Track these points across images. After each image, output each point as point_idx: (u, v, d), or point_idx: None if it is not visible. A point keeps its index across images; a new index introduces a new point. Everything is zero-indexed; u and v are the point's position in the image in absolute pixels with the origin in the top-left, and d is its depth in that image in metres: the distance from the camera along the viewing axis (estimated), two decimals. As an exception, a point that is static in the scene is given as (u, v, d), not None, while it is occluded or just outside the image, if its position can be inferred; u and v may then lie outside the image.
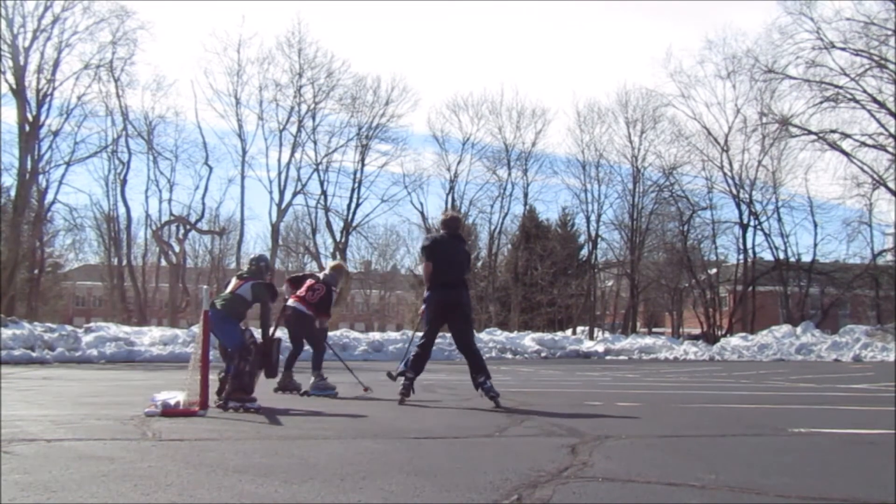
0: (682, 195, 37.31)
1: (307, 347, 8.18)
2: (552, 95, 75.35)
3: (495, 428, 4.86)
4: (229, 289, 6.44)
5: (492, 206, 38.57)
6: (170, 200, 35.27)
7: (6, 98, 29.79)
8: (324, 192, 35.98)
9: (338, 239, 36.83)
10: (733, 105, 36.36)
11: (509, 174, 38.04)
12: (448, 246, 6.67)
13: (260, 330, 6.51)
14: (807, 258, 36.77)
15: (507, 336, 24.78)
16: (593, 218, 38.07)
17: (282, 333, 7.57)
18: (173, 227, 36.56)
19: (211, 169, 35.28)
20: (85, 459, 3.46)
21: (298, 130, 34.98)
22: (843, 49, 31.08)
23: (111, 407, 6.18)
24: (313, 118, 35.56)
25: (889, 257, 36.50)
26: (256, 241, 45.04)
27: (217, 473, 3.12)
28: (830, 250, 37.87)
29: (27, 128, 29.51)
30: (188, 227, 36.23)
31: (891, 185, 32.19)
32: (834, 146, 33.11)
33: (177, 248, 36.62)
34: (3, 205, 30.71)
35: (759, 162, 35.74)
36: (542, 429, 4.82)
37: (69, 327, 19.44)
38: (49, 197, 32.33)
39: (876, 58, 30.77)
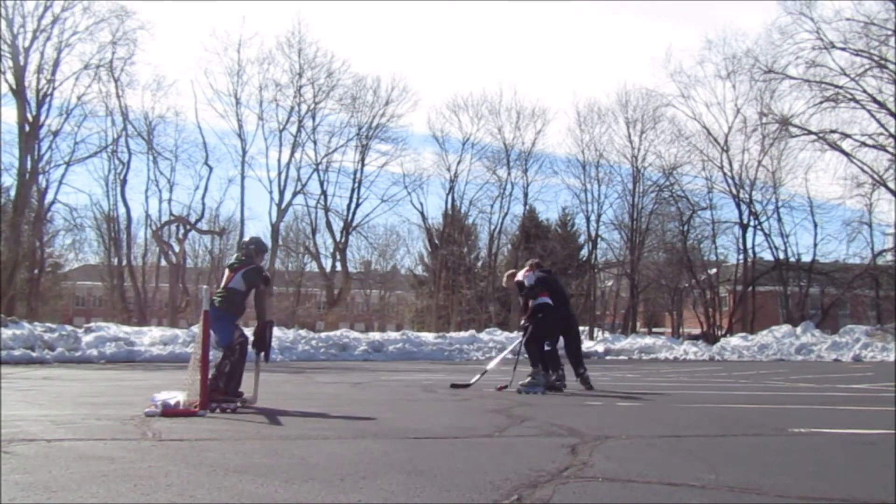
0: (682, 195, 37.33)
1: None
2: (552, 95, 75.41)
3: (495, 428, 4.86)
4: (223, 283, 6.40)
5: (492, 206, 38.61)
6: (170, 200, 35.33)
7: (6, 98, 29.84)
8: (324, 192, 36.01)
9: (338, 239, 36.87)
10: (733, 105, 36.38)
11: (509, 174, 38.07)
12: (551, 279, 9.03)
13: (257, 318, 6.45)
14: (807, 258, 36.80)
15: (507, 336, 24.77)
16: (593, 218, 38.10)
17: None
18: (173, 227, 36.58)
19: (211, 169, 35.33)
20: (85, 459, 3.45)
21: (298, 130, 35.01)
22: (843, 49, 31.09)
23: (111, 407, 6.18)
24: (313, 118, 35.60)
25: (889, 257, 36.47)
26: (256, 242, 44.72)
27: (217, 473, 3.12)
28: (830, 250, 37.87)
29: (27, 128, 29.51)
30: (188, 227, 36.22)
31: (891, 185, 32.18)
32: (834, 146, 33.11)
33: (177, 248, 36.62)
34: (3, 205, 30.72)
35: (759, 162, 35.76)
36: (542, 429, 4.82)
37: (69, 327, 19.42)
38: (49, 197, 32.38)
39: (876, 58, 30.76)
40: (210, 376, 5.88)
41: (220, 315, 6.09)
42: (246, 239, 6.85)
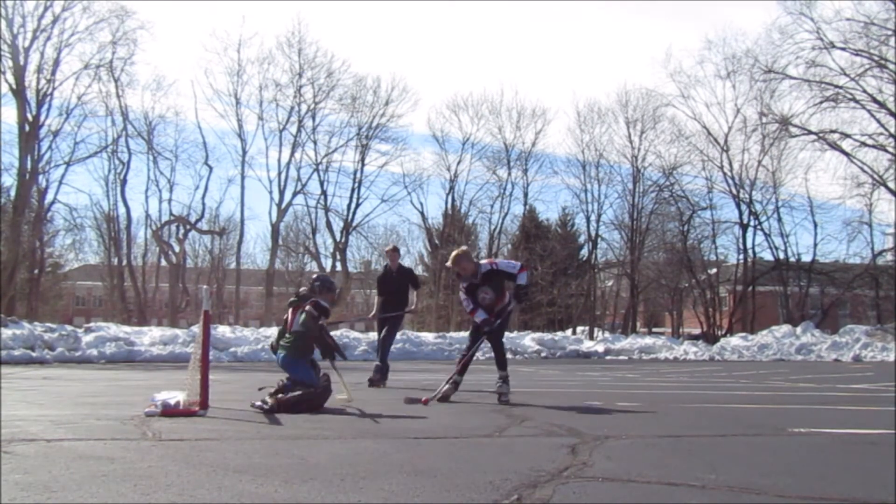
0: (682, 195, 37.40)
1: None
2: (552, 95, 75.52)
3: (495, 428, 4.85)
4: (287, 324, 6.41)
5: (492, 206, 38.71)
6: (170, 200, 35.42)
7: (6, 98, 29.88)
8: (324, 192, 36.08)
9: (338, 239, 36.89)
10: (733, 105, 36.53)
11: (509, 174, 38.15)
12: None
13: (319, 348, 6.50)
14: (807, 258, 36.87)
15: (507, 336, 24.77)
16: (593, 218, 38.20)
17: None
18: (173, 227, 36.63)
19: (211, 169, 35.43)
20: (85, 459, 3.45)
21: (298, 130, 35.08)
22: (843, 49, 31.13)
23: (111, 407, 6.18)
24: (313, 118, 35.68)
25: (889, 257, 36.54)
26: (256, 241, 44.94)
27: (217, 473, 3.12)
28: (830, 250, 37.98)
29: (27, 128, 29.52)
30: (188, 227, 36.26)
31: (891, 185, 32.23)
32: (834, 146, 33.15)
33: (177, 248, 36.66)
34: (3, 205, 30.73)
35: (759, 162, 35.84)
36: (542, 429, 4.82)
37: (69, 327, 19.40)
38: (49, 197, 32.47)
39: (876, 58, 30.79)
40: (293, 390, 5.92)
41: (294, 360, 6.16)
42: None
